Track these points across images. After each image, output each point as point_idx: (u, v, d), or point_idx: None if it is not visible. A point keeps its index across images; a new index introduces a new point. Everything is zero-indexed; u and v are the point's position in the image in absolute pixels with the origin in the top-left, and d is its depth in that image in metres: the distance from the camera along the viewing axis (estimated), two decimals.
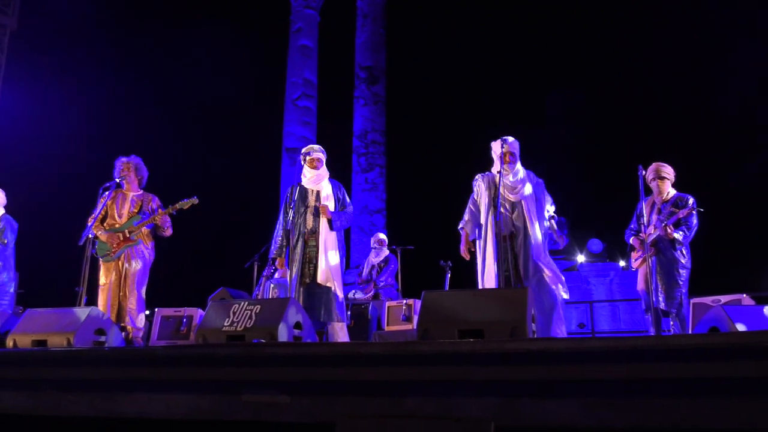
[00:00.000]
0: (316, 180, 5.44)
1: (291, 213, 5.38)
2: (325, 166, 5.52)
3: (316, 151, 5.50)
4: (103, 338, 4.46)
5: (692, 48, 13.68)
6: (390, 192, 14.97)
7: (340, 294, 5.22)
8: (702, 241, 5.66)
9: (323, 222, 5.28)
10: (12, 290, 6.75)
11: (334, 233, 5.30)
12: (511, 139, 5.14)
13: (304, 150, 5.59)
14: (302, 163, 5.54)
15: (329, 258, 5.21)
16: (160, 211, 5.65)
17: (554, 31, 16.10)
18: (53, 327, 4.34)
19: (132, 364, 3.98)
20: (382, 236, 8.22)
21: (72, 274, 5.56)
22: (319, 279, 5.17)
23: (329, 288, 5.17)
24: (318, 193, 5.40)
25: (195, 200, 5.62)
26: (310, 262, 5.23)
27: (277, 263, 5.39)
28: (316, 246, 5.23)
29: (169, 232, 5.73)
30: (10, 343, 4.39)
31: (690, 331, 5.04)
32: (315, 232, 5.27)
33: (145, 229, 5.64)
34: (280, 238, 5.38)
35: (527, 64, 16.24)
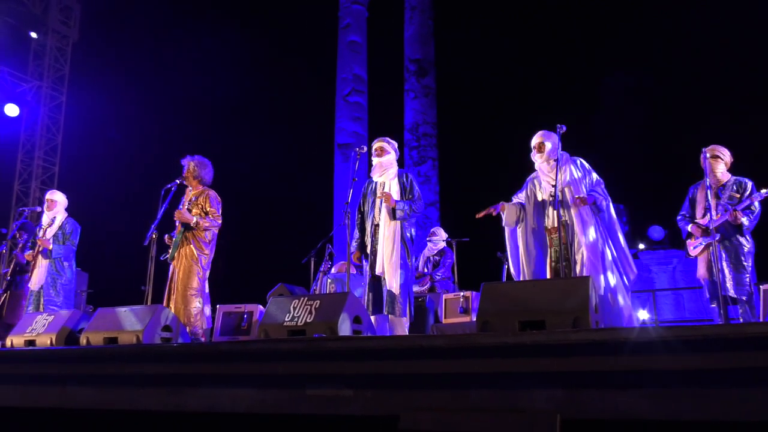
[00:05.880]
0: (378, 170, 5.43)
1: (364, 208, 5.45)
2: (391, 156, 5.49)
3: (377, 141, 5.53)
4: (169, 335, 4.59)
5: (759, 25, 13.03)
6: (443, 184, 14.87)
7: (396, 287, 5.09)
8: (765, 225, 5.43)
9: (384, 212, 5.25)
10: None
11: (397, 223, 5.21)
12: (543, 133, 5.06)
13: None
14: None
15: (386, 249, 5.16)
16: (178, 210, 5.70)
17: (608, 11, 15.63)
18: (123, 325, 4.50)
19: (197, 359, 4.09)
20: (440, 228, 8.19)
21: (139, 274, 5.75)
22: (377, 270, 5.16)
23: (386, 280, 5.12)
24: (384, 185, 5.40)
25: None
26: (375, 255, 5.23)
27: (354, 257, 5.39)
28: (379, 239, 5.23)
29: (201, 224, 5.67)
30: (83, 340, 4.57)
31: (761, 319, 4.84)
32: (379, 225, 5.28)
33: (189, 233, 5.67)
34: (357, 234, 5.42)
35: (581, 48, 15.84)
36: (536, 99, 15.63)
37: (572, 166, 4.96)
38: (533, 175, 5.16)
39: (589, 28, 15.83)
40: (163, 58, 16.16)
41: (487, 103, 15.95)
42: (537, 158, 5.04)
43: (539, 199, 5.00)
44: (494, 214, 5.00)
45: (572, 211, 4.80)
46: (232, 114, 16.53)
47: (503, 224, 5.08)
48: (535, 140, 5.07)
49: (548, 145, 4.98)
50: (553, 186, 4.78)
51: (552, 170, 4.88)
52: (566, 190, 4.86)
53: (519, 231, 5.00)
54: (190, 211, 5.73)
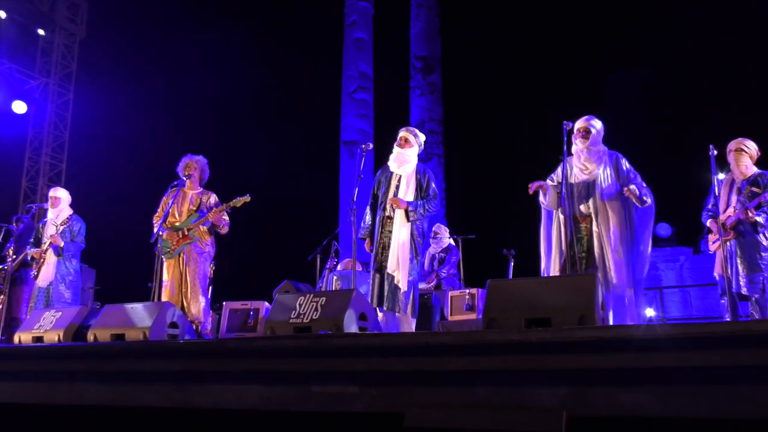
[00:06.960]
0: (398, 160, 5.33)
1: (378, 192, 5.40)
2: (414, 149, 5.37)
3: (403, 130, 5.40)
4: (176, 332, 4.61)
5: (763, 22, 12.96)
6: (449, 181, 14.87)
7: (403, 285, 5.10)
8: None
9: (399, 211, 5.20)
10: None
11: (409, 223, 5.17)
12: (591, 118, 5.01)
13: None
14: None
15: (399, 247, 5.13)
16: (214, 209, 5.73)
17: (612, 9, 15.58)
18: (130, 321, 4.52)
19: (204, 356, 4.10)
20: (441, 226, 8.18)
21: (145, 271, 5.78)
22: (389, 268, 5.13)
23: (394, 277, 5.12)
24: (400, 178, 5.32)
25: (247, 198, 5.65)
26: (383, 248, 5.19)
27: (365, 245, 5.40)
28: (390, 233, 5.19)
29: (225, 229, 5.79)
30: (90, 337, 4.59)
31: None
32: (391, 218, 5.22)
33: (202, 227, 5.74)
34: (368, 219, 5.40)
35: (585, 46, 15.81)
36: (540, 96, 15.61)
37: (607, 158, 4.95)
38: (569, 158, 5.08)
39: (593, 25, 15.80)
40: (170, 56, 16.20)
41: (492, 101, 15.94)
42: (578, 143, 4.95)
43: (571, 181, 4.96)
44: (531, 190, 4.96)
45: (597, 201, 4.81)
46: (238, 112, 16.58)
47: (544, 206, 5.05)
48: (581, 124, 4.99)
49: (593, 132, 4.94)
50: (584, 173, 4.86)
51: (588, 159, 4.90)
52: (599, 177, 4.85)
53: (556, 214, 4.99)
54: (197, 208, 5.78)
